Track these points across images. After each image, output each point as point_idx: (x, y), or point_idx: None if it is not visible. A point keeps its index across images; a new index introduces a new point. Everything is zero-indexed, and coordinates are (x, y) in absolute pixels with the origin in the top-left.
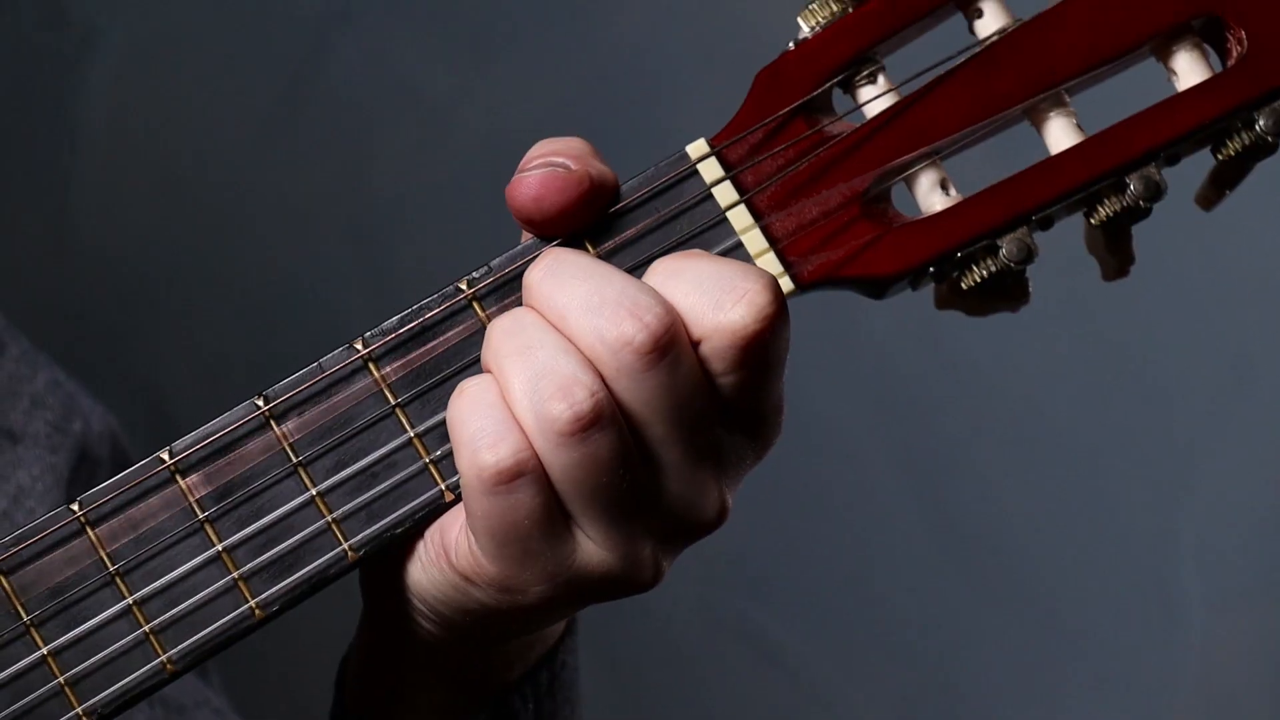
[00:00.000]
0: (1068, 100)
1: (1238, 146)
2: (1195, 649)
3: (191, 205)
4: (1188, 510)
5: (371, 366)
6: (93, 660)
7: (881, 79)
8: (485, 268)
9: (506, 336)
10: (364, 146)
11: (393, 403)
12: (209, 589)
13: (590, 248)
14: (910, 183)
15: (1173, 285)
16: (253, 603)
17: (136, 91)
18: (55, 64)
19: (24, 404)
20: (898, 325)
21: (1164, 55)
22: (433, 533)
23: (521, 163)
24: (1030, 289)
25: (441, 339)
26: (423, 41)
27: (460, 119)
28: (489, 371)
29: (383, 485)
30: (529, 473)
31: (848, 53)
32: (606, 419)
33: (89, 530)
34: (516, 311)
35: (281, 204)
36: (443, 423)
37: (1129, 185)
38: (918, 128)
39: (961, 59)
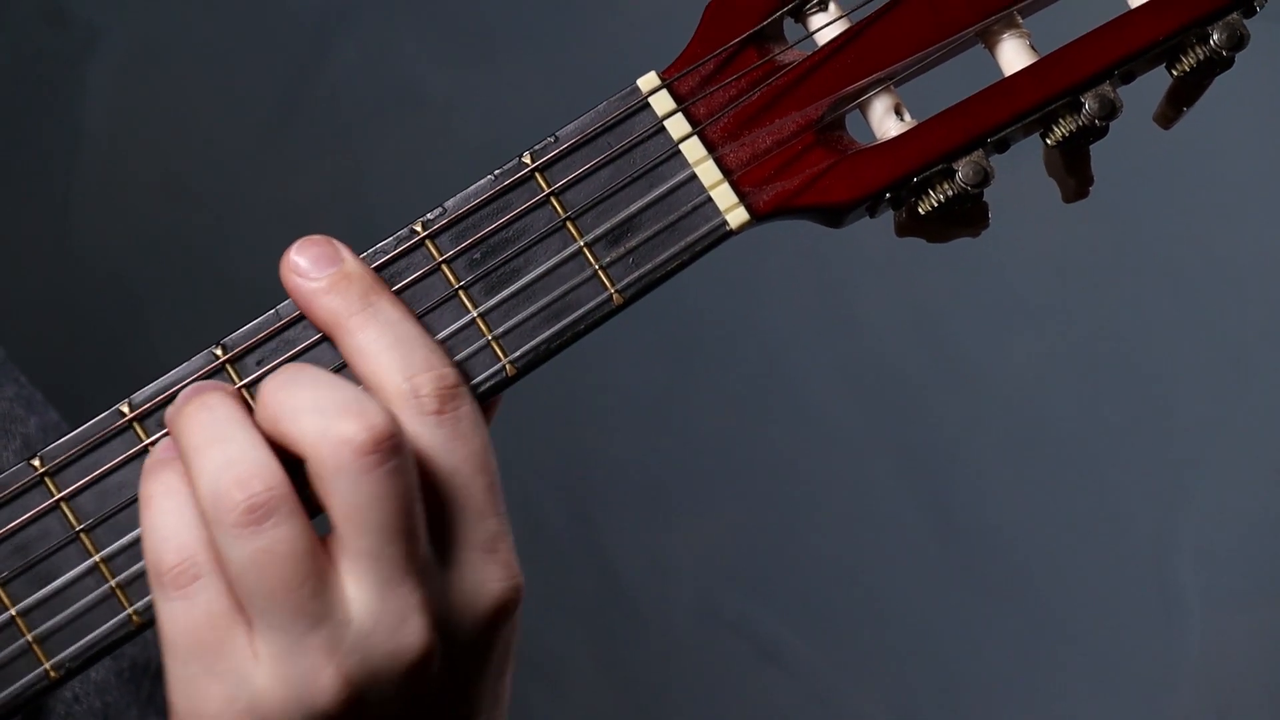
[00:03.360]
0: (1020, 21)
1: (1192, 62)
2: (1194, 649)
3: (192, 205)
4: (1187, 510)
5: None
6: (60, 617)
7: (832, 6)
8: (440, 208)
9: (198, 429)
10: (364, 146)
11: None
12: None
13: (543, 184)
14: (864, 109)
15: (1172, 284)
16: None
17: (137, 91)
18: (56, 64)
19: (16, 444)
20: (898, 326)
21: None
22: None
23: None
24: (989, 214)
25: (397, 281)
26: (423, 42)
27: (460, 119)
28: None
29: None
30: (210, 574)
31: None
32: (285, 512)
33: (49, 483)
34: (208, 399)
35: (282, 204)
36: None
37: (1084, 104)
38: (870, 54)
39: None
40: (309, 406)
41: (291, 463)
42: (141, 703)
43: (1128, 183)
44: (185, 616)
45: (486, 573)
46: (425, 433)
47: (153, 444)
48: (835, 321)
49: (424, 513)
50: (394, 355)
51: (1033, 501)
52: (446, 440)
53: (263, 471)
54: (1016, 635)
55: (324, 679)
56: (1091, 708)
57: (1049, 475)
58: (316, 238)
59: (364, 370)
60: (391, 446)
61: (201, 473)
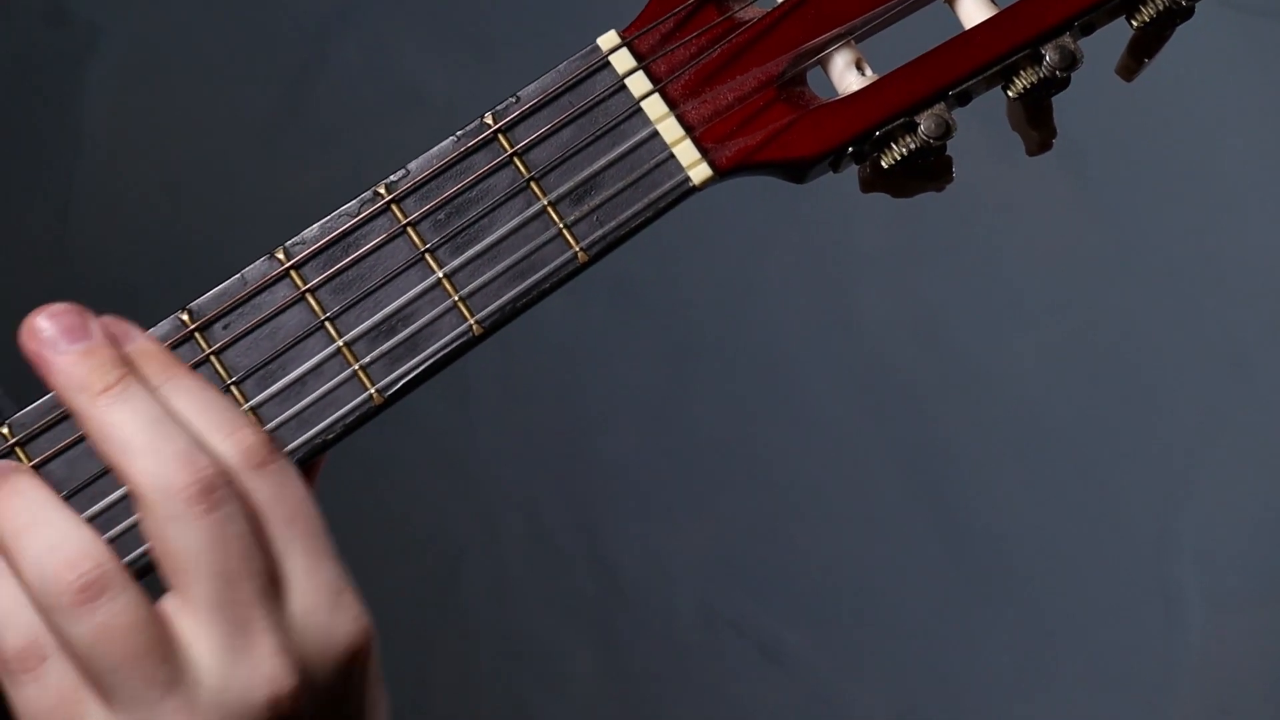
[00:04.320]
0: None
1: (1152, 12)
2: (1195, 649)
3: (192, 205)
4: (1187, 510)
5: (294, 275)
6: None
7: None
8: (403, 170)
9: (13, 515)
10: (365, 146)
11: (319, 313)
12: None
13: (506, 145)
14: (825, 64)
15: (1173, 284)
16: None
17: (138, 91)
18: (56, 63)
19: None
20: (898, 326)
21: None
22: None
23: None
24: (954, 168)
25: (363, 244)
26: (423, 42)
27: (460, 119)
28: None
29: (313, 395)
30: (57, 653)
31: None
32: (119, 585)
33: (19, 452)
34: (17, 484)
35: (282, 204)
36: (372, 329)
37: (1045, 56)
38: (830, 9)
39: None
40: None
41: None
42: None
43: (1127, 182)
44: (39, 699)
45: (335, 618)
46: (249, 488)
47: None
48: (835, 321)
49: (264, 563)
50: (210, 416)
51: (1033, 501)
52: (272, 494)
53: (89, 549)
54: (1016, 635)
55: None
56: (1091, 708)
57: (1049, 475)
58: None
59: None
60: (224, 495)
61: (25, 560)
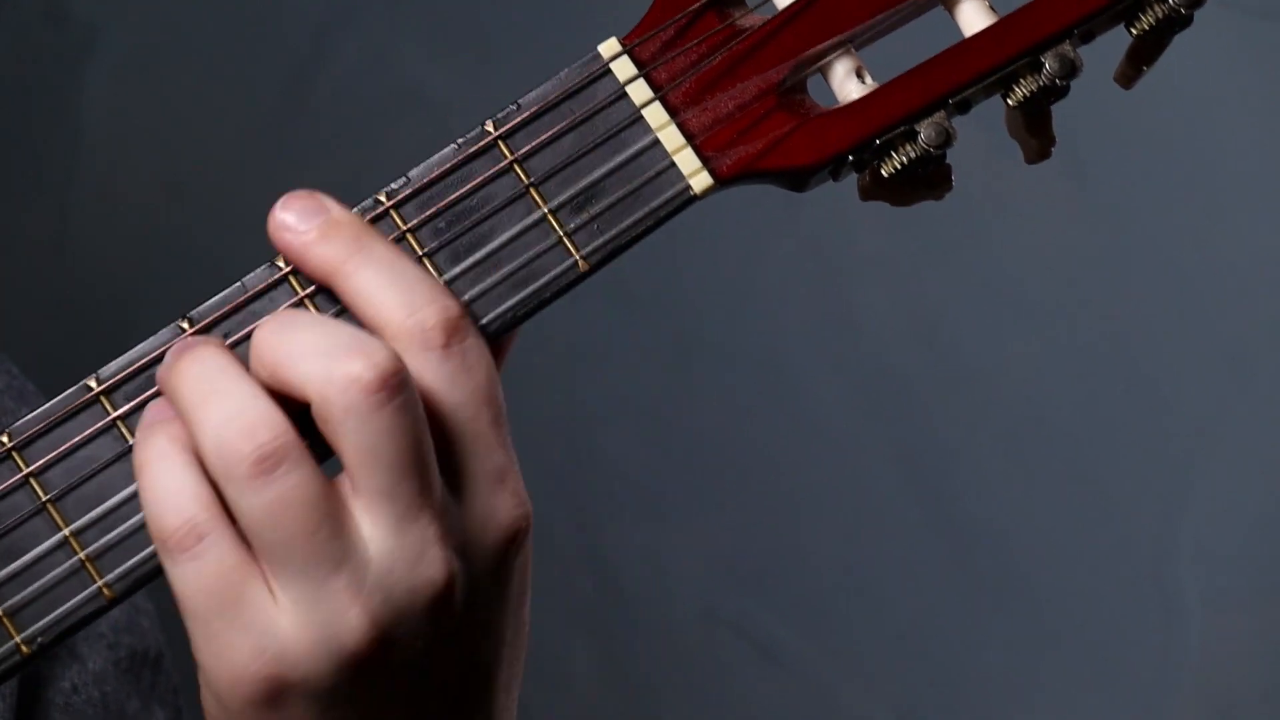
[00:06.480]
0: None
1: (1151, 20)
2: (1194, 649)
3: (192, 205)
4: (1187, 510)
5: (293, 281)
6: (30, 590)
7: None
8: (404, 179)
9: (194, 384)
10: (365, 146)
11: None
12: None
13: (506, 151)
14: (825, 72)
15: (1172, 284)
16: None
17: (137, 91)
18: (56, 63)
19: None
20: (897, 324)
21: None
22: None
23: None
24: (953, 177)
25: None
26: (423, 42)
27: (460, 119)
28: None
29: None
30: (215, 529)
31: None
32: (295, 459)
33: (17, 458)
34: (200, 353)
35: None
36: None
37: (1044, 64)
38: (830, 16)
39: None
40: (310, 350)
41: (292, 411)
42: (144, 693)
43: (1127, 182)
44: (197, 577)
45: (497, 502)
46: (430, 368)
47: (120, 417)
48: (834, 321)
49: (433, 447)
50: (393, 293)
51: (1032, 501)
52: (453, 374)
53: (268, 420)
54: (1016, 635)
55: (351, 619)
56: (1091, 708)
57: (1048, 475)
58: (299, 192)
59: (365, 312)
60: (398, 383)
61: (204, 428)
